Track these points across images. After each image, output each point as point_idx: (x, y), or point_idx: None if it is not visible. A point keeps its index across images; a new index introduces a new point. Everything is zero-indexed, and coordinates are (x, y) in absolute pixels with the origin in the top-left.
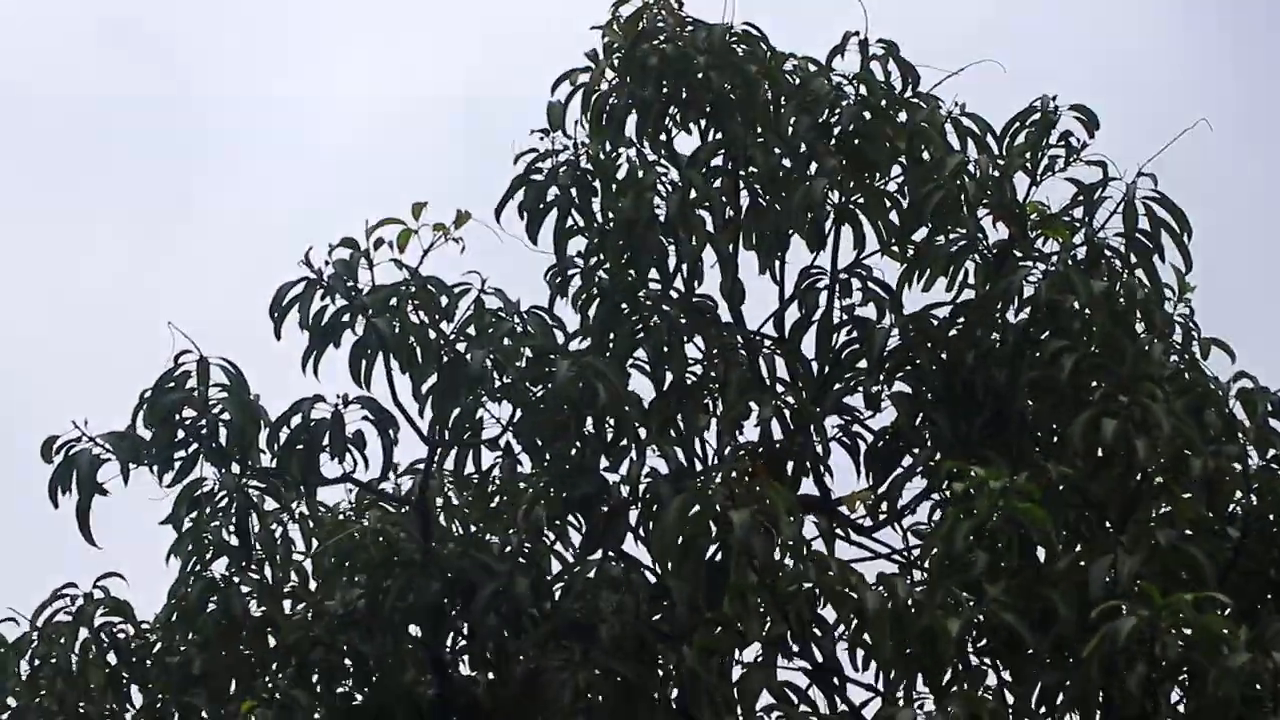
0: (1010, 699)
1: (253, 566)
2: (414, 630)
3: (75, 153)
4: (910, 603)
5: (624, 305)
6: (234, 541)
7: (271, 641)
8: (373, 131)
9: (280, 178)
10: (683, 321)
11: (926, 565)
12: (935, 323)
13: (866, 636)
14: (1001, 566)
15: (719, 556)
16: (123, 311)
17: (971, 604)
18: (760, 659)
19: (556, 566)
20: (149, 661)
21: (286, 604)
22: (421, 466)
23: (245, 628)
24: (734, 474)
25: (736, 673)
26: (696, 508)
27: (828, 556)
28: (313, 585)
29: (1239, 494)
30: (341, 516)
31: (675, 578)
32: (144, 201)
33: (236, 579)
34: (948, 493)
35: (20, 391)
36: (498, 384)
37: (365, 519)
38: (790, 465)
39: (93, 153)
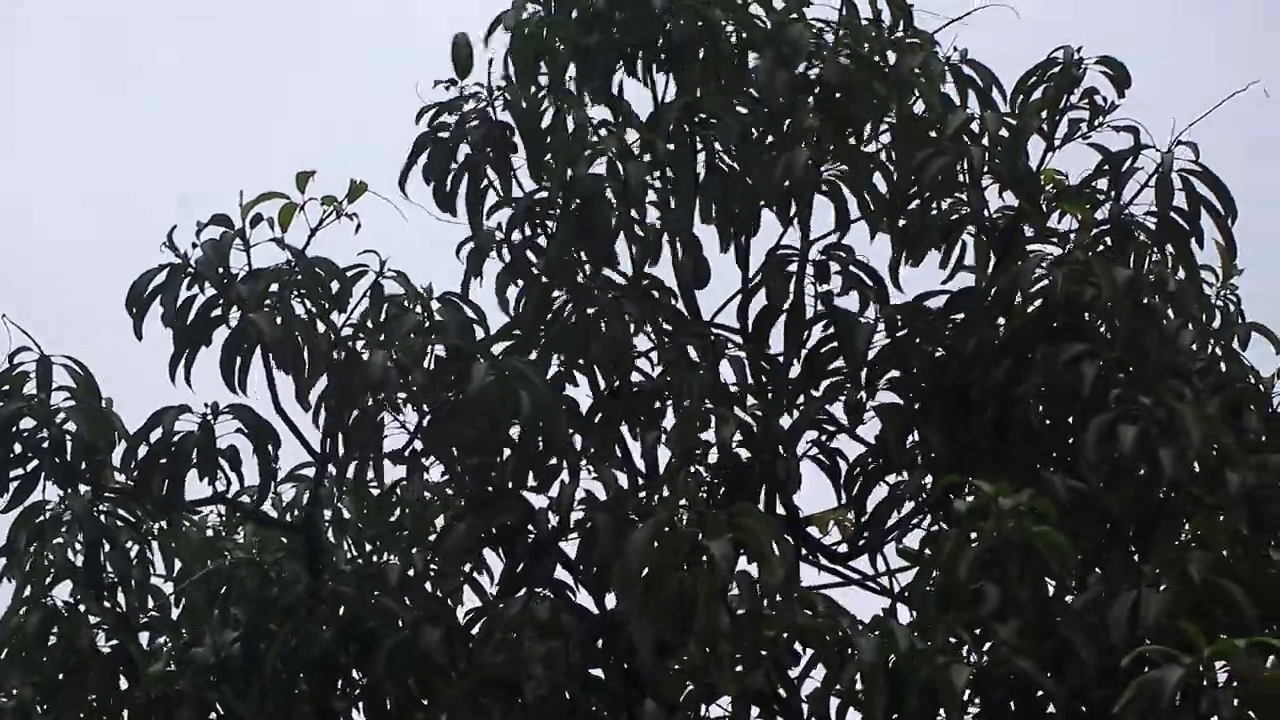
0: None
1: (104, 593)
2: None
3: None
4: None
5: (557, 292)
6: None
7: (125, 684)
8: None
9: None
10: (631, 313)
11: (910, 596)
12: (929, 315)
13: (859, 690)
14: (1011, 602)
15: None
16: None
17: (980, 648)
18: (731, 715)
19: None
20: None
21: (144, 637)
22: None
23: (94, 666)
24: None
25: None
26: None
27: (814, 594)
28: (175, 615)
29: None
30: (210, 532)
31: (638, 618)
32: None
33: (83, 607)
34: (940, 517)
35: None
36: (402, 389)
37: (239, 536)
38: (756, 484)
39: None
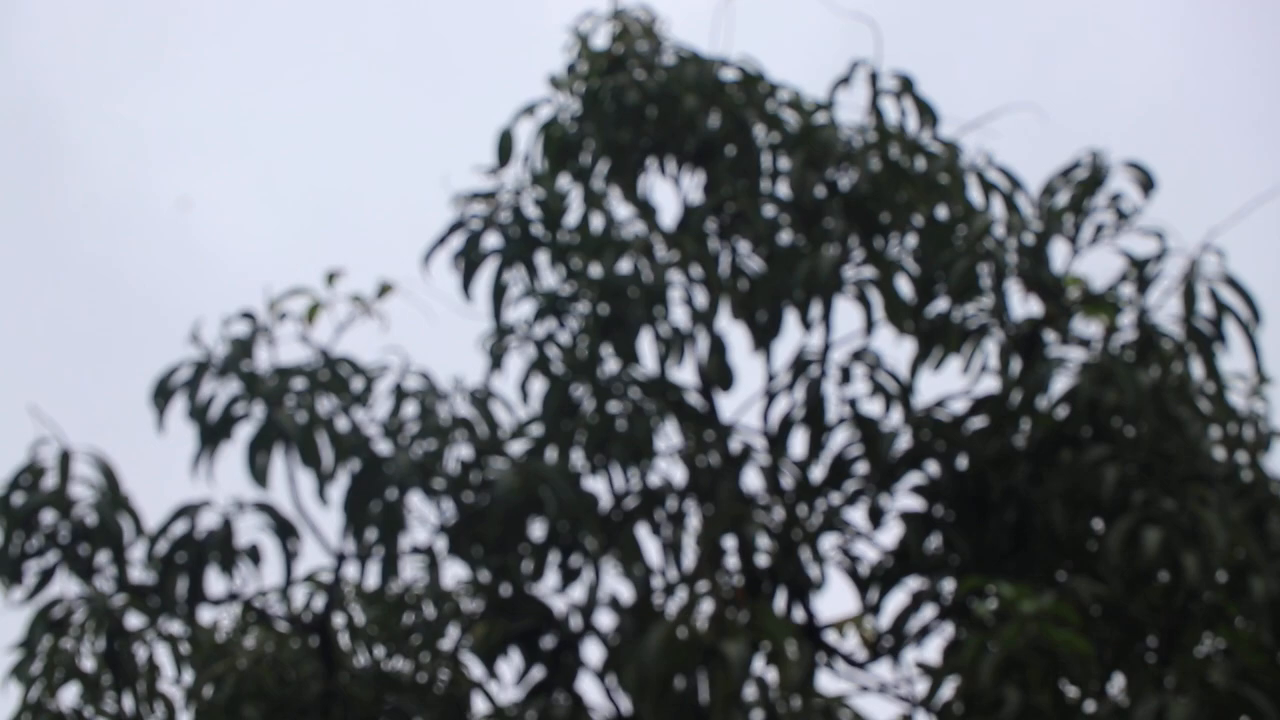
0: None
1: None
2: None
3: None
4: None
5: (577, 387)
6: (92, 668)
7: None
8: None
9: None
10: (651, 411)
11: (934, 704)
12: (950, 419)
13: None
14: (1031, 708)
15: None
16: None
17: None
18: None
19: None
20: None
21: None
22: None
23: None
24: (715, 598)
25: None
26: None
27: (836, 700)
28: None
29: None
30: (222, 639)
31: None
32: None
33: (88, 712)
34: (962, 623)
35: None
36: (423, 487)
37: (250, 639)
38: (776, 588)
39: None
